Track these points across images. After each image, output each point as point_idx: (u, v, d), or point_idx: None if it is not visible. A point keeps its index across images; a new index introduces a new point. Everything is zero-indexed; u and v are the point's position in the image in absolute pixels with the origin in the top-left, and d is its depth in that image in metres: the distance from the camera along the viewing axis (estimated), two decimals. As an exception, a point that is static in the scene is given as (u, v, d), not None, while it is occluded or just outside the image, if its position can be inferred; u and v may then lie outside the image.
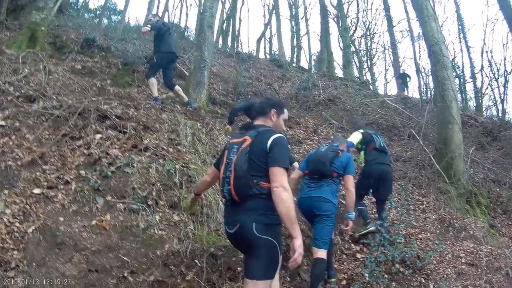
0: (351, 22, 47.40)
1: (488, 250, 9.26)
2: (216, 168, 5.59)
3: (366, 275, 7.72)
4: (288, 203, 4.62)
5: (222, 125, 12.64)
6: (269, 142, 4.86)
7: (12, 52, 14.54)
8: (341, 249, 9.21)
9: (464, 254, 9.12)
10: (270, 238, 4.75)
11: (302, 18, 49.14)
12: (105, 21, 37.47)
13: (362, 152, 10.08)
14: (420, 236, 9.96)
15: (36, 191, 7.35)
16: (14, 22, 20.71)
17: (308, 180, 7.79)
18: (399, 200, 10.27)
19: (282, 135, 5.01)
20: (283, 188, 4.64)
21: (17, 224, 6.54)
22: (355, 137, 10.09)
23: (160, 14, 44.88)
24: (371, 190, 9.98)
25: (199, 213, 8.11)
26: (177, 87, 13.35)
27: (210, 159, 10.15)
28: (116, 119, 9.76)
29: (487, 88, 38.71)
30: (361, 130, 10.26)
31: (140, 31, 15.84)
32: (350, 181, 7.70)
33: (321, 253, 7.10)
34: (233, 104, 16.14)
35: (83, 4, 42.40)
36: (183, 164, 9.03)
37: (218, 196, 8.63)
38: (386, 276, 7.84)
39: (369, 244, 8.59)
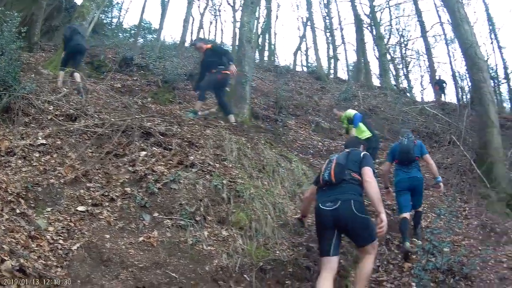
0: (384, 30, 47.45)
1: (530, 255, 9.27)
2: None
3: (414, 284, 7.89)
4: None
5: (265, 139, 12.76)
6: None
7: (49, 72, 14.86)
8: (387, 259, 9.29)
9: (506, 259, 9.10)
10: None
11: (336, 29, 49.38)
12: (141, 40, 37.83)
13: None
14: (463, 242, 10.00)
15: (81, 208, 7.46)
16: (48, 43, 21.16)
17: (400, 166, 10.51)
18: (443, 208, 10.28)
19: None
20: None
21: (61, 241, 6.60)
22: None
23: (195, 31, 45.45)
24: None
25: (247, 228, 8.16)
26: None
27: (256, 173, 10.28)
28: (160, 136, 9.97)
29: None
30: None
31: None
32: (429, 159, 10.65)
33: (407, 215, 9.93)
34: (275, 118, 16.27)
35: (118, 24, 42.96)
36: (230, 179, 9.10)
37: (265, 211, 8.75)
38: (432, 284, 7.93)
39: (416, 252, 8.83)
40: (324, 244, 6.86)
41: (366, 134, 13.45)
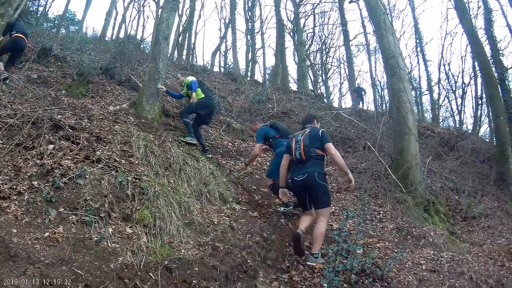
0: (307, 37, 47.95)
1: (449, 256, 9.45)
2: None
3: (325, 285, 7.84)
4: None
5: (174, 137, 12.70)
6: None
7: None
8: (297, 259, 9.29)
9: (424, 261, 9.27)
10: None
11: (258, 32, 49.64)
12: (63, 31, 37.16)
13: None
14: (378, 245, 10.11)
15: (-11, 202, 7.20)
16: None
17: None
18: (355, 210, 10.37)
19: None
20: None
21: (-31, 236, 6.38)
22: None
23: (117, 25, 44.97)
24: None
25: (152, 226, 8.08)
26: None
27: (162, 171, 10.23)
28: (70, 130, 9.71)
29: (444, 100, 39.58)
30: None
31: None
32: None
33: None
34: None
35: (43, 13, 42.04)
36: (136, 176, 9.02)
37: (170, 209, 8.69)
38: (345, 285, 7.96)
39: (326, 254, 8.85)
40: (303, 204, 9.61)
41: (201, 95, 14.89)
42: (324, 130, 9.81)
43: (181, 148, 12.00)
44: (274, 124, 12.57)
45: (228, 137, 17.44)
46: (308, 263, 8.94)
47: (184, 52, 42.18)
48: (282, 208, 11.53)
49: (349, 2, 39.87)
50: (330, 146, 9.33)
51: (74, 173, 8.25)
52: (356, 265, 8.10)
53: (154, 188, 8.83)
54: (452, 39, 79.68)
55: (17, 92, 11.56)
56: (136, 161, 9.87)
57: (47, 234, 6.95)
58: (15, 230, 6.77)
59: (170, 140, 12.04)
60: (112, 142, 10.10)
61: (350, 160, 16.55)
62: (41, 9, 43.35)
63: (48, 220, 7.30)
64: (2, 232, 6.56)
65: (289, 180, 10.19)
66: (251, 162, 13.21)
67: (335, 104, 42.41)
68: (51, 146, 8.91)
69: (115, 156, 9.46)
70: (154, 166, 10.20)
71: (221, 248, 8.27)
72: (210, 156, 14.06)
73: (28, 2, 31.66)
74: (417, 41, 41.37)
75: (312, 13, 48.65)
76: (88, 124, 10.46)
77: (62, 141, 9.24)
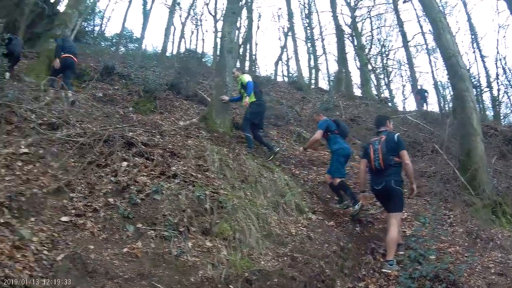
0: (366, 40, 47.65)
1: (517, 259, 9.35)
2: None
3: (401, 292, 7.86)
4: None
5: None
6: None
7: (31, 80, 14.86)
8: (373, 268, 9.33)
9: (493, 265, 9.31)
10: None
11: (317, 39, 49.47)
12: (122, 49, 37.73)
13: None
14: (450, 250, 10.04)
15: (64, 219, 7.44)
16: (31, 50, 21.06)
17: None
18: (428, 216, 10.39)
19: None
20: None
21: (45, 252, 6.55)
22: None
23: (176, 40, 45.54)
24: None
25: (231, 239, 8.22)
26: None
27: (238, 184, 10.38)
28: (142, 146, 10.02)
29: (503, 96, 38.71)
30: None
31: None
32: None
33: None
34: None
35: (99, 32, 42.82)
36: (213, 190, 9.19)
37: (249, 221, 8.82)
38: (420, 292, 7.97)
39: (402, 261, 8.88)
40: (385, 206, 10.21)
41: (253, 99, 14.63)
42: (399, 134, 10.11)
43: (256, 161, 12.16)
44: (337, 121, 13.03)
45: (299, 147, 17.53)
46: (384, 270, 9.00)
47: (247, 64, 42.32)
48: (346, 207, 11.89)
49: (403, 2, 39.24)
50: (404, 153, 9.61)
51: (150, 189, 8.52)
52: (431, 271, 8.13)
53: (232, 201, 9.01)
54: (505, 32, 77.71)
55: (84, 111, 11.88)
56: (212, 175, 10.05)
57: (125, 249, 7.18)
58: (92, 247, 7.00)
59: (244, 152, 12.23)
60: (186, 157, 10.34)
61: (419, 165, 16.41)
62: (97, 28, 44.33)
63: (126, 236, 7.56)
64: (79, 248, 6.78)
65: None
66: (310, 147, 13.98)
67: (399, 108, 41.88)
68: (125, 163, 9.23)
69: (191, 170, 9.67)
70: (230, 179, 10.36)
71: (300, 258, 8.35)
72: (277, 150, 14.34)
73: (83, 23, 32.32)
74: (472, 37, 40.41)
75: (368, 16, 48.31)
76: (161, 140, 10.77)
77: (136, 158, 9.57)
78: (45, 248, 6.65)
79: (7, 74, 13.13)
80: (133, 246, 7.30)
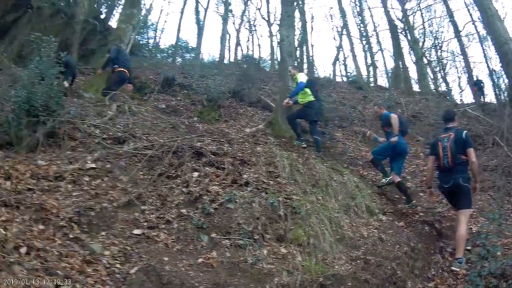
0: (418, 34, 47.20)
1: None
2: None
3: (471, 291, 7.83)
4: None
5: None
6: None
7: (90, 95, 15.18)
8: (442, 267, 9.31)
9: None
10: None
11: (372, 36, 49.32)
12: (179, 59, 38.15)
13: None
14: (514, 245, 9.89)
15: (136, 231, 7.56)
16: (86, 66, 21.49)
17: None
18: (492, 211, 10.29)
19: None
20: None
21: (118, 265, 6.65)
22: None
23: (232, 47, 45.95)
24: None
25: (306, 244, 8.24)
26: None
27: (310, 188, 10.41)
28: (212, 156, 10.13)
29: None
30: None
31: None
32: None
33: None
34: (323, 131, 16.40)
35: (154, 44, 43.37)
36: (286, 196, 9.21)
37: (322, 226, 8.84)
38: (486, 290, 7.92)
39: (469, 258, 8.86)
40: (453, 204, 10.20)
41: (309, 98, 14.51)
42: (467, 132, 10.14)
43: (325, 164, 12.20)
44: (401, 117, 13.20)
45: (366, 148, 17.43)
46: (453, 268, 8.97)
47: (305, 66, 42.39)
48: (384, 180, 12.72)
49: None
50: (471, 151, 9.64)
51: (223, 198, 8.59)
52: (498, 268, 8.05)
53: (305, 206, 9.02)
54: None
55: (149, 124, 12.06)
56: (284, 181, 10.08)
57: (200, 260, 7.24)
58: (166, 258, 7.08)
59: (313, 156, 12.28)
60: (256, 164, 10.42)
61: (481, 159, 16.14)
62: (151, 41, 44.89)
63: (201, 246, 7.63)
64: (152, 261, 6.85)
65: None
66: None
67: (457, 101, 41.33)
68: (195, 174, 9.34)
69: (262, 177, 9.73)
70: (301, 184, 10.40)
71: (372, 261, 8.34)
72: (304, 145, 14.15)
73: (136, 36, 32.76)
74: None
75: (418, 8, 47.84)
76: (230, 148, 10.89)
77: (206, 168, 9.67)
78: (118, 261, 6.75)
79: (66, 83, 13.43)
80: (208, 256, 7.35)
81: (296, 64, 20.29)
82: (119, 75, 15.25)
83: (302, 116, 14.70)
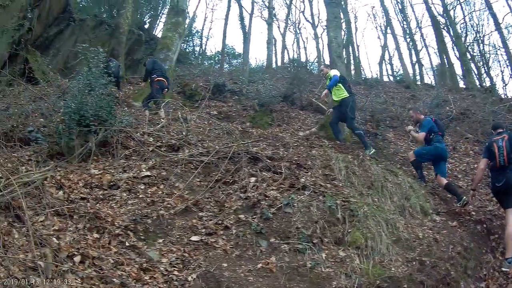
0: (460, 28, 46.75)
1: None
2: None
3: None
4: None
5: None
6: None
7: (140, 104, 15.29)
8: (493, 266, 9.29)
9: None
10: None
11: (415, 33, 49.06)
12: (226, 65, 38.43)
13: None
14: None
15: (194, 238, 7.60)
16: (134, 76, 21.73)
17: None
18: None
19: None
20: None
21: (176, 272, 6.68)
22: None
23: (279, 51, 46.13)
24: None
25: (363, 247, 8.20)
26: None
27: (366, 190, 10.38)
28: (268, 160, 10.16)
29: None
30: None
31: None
32: None
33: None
34: (375, 132, 16.33)
35: (201, 51, 43.69)
36: (343, 199, 9.18)
37: (379, 228, 8.78)
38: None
39: None
40: (502, 203, 10.17)
41: (343, 94, 14.48)
42: None
43: (380, 165, 12.13)
44: (437, 121, 13.30)
45: (416, 147, 17.35)
46: (503, 269, 8.97)
47: (352, 67, 42.34)
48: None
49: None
50: None
51: (281, 203, 8.57)
52: None
53: (363, 208, 8.99)
54: None
55: (202, 130, 12.14)
56: (340, 184, 10.07)
57: (259, 265, 7.21)
58: (225, 264, 7.09)
59: (368, 158, 12.25)
60: (312, 167, 10.40)
61: None
62: (197, 48, 45.22)
63: (260, 251, 7.61)
64: (211, 267, 6.87)
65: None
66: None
67: (502, 95, 40.79)
68: (253, 179, 9.36)
69: (319, 181, 9.70)
70: (357, 187, 10.37)
71: (427, 262, 8.28)
72: (340, 141, 14.17)
73: (182, 44, 32.98)
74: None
75: (458, 2, 47.38)
76: (285, 152, 10.91)
77: (263, 173, 9.71)
78: (175, 268, 6.80)
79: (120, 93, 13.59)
80: (267, 261, 7.33)
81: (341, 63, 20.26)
82: (158, 84, 15.65)
83: (340, 118, 14.59)
